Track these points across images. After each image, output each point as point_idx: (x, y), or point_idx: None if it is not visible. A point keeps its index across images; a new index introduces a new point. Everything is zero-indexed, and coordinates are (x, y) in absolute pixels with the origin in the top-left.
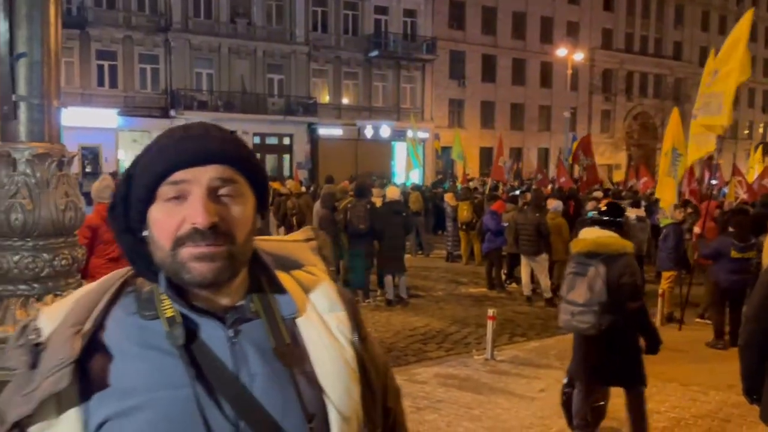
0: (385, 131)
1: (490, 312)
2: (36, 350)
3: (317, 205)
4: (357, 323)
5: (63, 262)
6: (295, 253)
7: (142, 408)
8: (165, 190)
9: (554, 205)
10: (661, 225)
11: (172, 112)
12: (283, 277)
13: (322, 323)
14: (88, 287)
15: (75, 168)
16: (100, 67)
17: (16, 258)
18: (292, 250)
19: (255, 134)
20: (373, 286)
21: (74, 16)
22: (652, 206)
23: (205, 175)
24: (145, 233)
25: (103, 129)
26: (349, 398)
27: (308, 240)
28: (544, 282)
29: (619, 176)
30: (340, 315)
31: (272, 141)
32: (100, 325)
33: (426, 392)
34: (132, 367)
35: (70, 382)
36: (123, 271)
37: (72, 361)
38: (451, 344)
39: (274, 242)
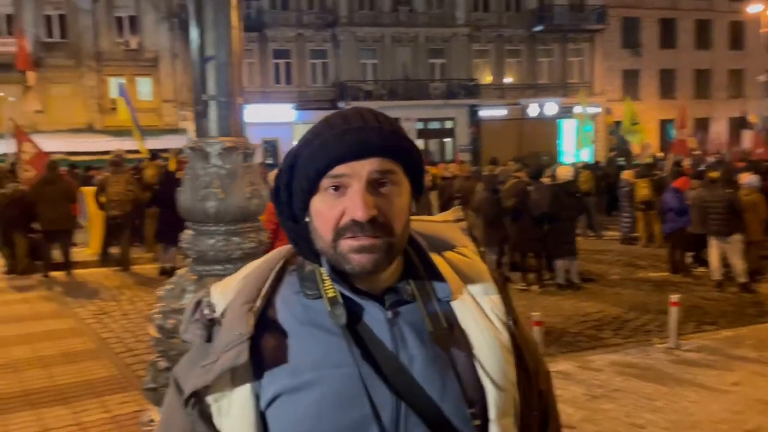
0: (551, 109)
1: (674, 297)
2: (210, 325)
3: (479, 187)
4: (509, 306)
5: (251, 244)
6: (446, 234)
7: (312, 385)
8: (326, 182)
9: (748, 179)
10: None
11: (341, 104)
12: (436, 258)
13: (477, 306)
14: (252, 265)
15: (258, 159)
16: (277, 66)
17: (212, 241)
18: (442, 231)
19: (418, 120)
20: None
21: (253, 19)
22: None
23: (365, 168)
24: (306, 219)
25: (282, 123)
26: (506, 381)
27: (458, 220)
28: (739, 265)
29: None
30: (494, 298)
31: (434, 126)
32: (267, 303)
33: (601, 380)
34: (299, 344)
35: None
36: (284, 250)
37: (248, 337)
38: (629, 331)
39: (425, 222)
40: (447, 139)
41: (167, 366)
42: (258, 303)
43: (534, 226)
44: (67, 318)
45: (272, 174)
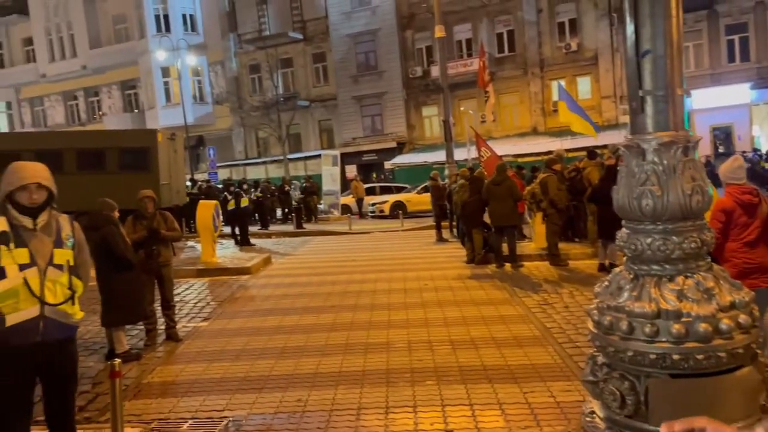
0: None
1: None
2: None
3: None
4: None
5: (692, 244)
6: None
7: None
8: None
9: None
10: None
11: None
12: None
13: None
14: None
15: (707, 150)
16: (730, 42)
17: (648, 240)
18: None
19: None
20: None
21: None
22: None
23: None
24: None
25: (735, 106)
26: None
27: None
28: None
29: None
30: None
31: None
32: None
33: None
34: None
35: None
36: None
37: None
38: None
39: None
40: None
41: (605, 362)
42: None
43: None
44: (516, 305)
45: (727, 164)
